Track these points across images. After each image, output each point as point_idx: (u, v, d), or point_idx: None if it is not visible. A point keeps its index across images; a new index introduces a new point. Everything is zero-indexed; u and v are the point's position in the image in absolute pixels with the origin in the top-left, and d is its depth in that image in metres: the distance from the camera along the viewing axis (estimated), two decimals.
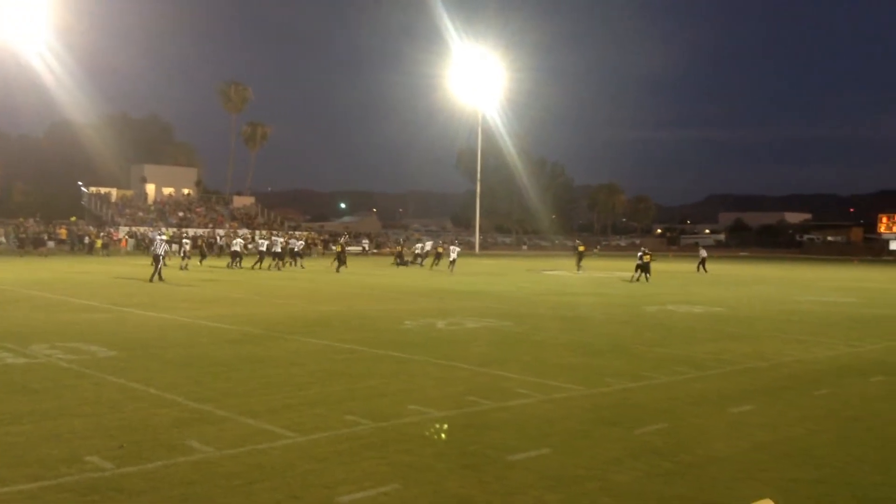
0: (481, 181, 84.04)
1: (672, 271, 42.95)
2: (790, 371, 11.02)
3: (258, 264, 36.81)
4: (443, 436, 7.00)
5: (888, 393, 9.60)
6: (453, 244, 42.42)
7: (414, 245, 51.20)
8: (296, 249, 40.65)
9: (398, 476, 5.84)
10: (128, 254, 53.75)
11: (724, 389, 9.54)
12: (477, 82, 74.05)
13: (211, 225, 69.61)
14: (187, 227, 64.95)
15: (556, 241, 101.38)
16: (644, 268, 32.29)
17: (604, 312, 19.21)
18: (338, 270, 35.48)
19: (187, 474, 5.75)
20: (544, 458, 6.42)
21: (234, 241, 40.31)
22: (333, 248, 39.21)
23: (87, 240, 54.69)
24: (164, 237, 32.51)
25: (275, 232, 62.06)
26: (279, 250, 37.86)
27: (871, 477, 6.10)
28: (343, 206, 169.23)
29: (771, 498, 3.93)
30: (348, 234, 79.13)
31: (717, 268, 47.87)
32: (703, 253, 42.95)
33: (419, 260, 45.70)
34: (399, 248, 48.28)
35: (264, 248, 38.45)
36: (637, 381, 9.86)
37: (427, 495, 5.48)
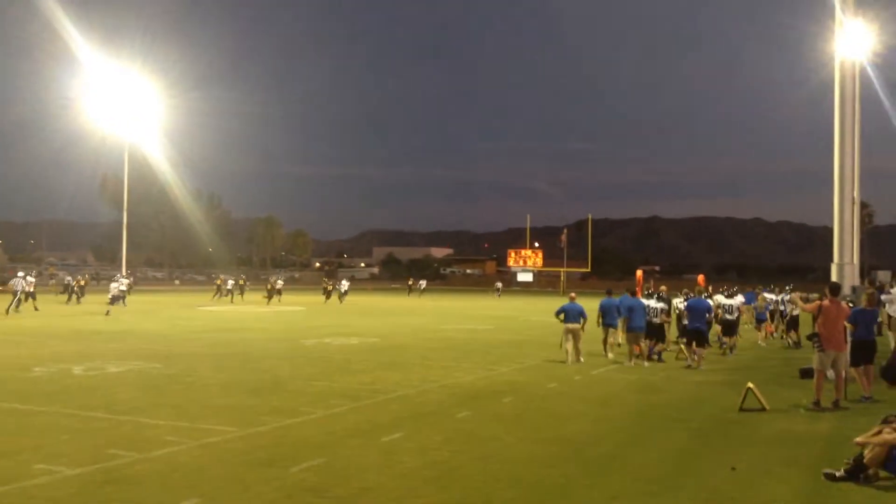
0: (130, 211, 78.23)
1: (332, 304, 44.01)
2: (436, 397, 11.79)
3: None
4: None
5: (518, 412, 10.71)
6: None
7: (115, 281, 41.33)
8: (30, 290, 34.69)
9: None
10: None
11: (376, 419, 9.87)
12: (123, 107, 69.04)
13: None
14: None
15: (213, 275, 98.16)
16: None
17: (262, 348, 18.90)
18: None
19: None
20: None
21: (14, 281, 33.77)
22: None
23: None
24: (22, 274, 33.79)
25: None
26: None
27: (505, 492, 6.68)
28: None
29: None
30: None
31: (371, 300, 52.29)
32: (345, 284, 50.32)
33: (119, 302, 36.45)
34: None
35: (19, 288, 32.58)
36: (294, 418, 9.78)
37: None
